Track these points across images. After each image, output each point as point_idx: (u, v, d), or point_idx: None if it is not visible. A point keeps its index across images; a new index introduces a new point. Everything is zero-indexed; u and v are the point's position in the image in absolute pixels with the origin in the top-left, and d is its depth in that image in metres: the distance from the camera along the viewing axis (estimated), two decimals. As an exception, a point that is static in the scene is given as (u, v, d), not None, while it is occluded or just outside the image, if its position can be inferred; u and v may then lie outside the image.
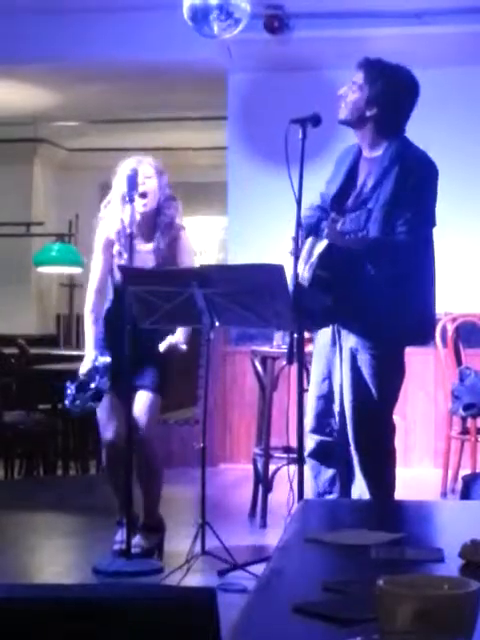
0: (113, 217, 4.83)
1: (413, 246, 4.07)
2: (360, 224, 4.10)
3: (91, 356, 4.77)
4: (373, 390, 4.09)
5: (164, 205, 4.82)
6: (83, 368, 4.76)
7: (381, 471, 4.16)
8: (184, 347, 4.78)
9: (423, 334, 4.30)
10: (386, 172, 4.08)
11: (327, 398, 4.22)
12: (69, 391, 4.72)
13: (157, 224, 4.81)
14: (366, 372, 4.09)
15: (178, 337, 4.76)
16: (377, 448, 4.15)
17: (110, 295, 4.87)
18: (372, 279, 4.05)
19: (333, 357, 4.19)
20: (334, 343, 4.18)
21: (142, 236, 4.79)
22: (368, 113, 4.16)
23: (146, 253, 4.76)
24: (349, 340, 4.12)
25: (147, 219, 4.80)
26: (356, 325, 4.10)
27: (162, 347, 4.73)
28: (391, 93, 4.15)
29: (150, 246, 4.81)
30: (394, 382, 4.19)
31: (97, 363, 4.72)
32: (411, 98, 4.23)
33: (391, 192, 4.05)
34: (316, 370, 4.28)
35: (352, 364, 4.11)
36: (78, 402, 4.72)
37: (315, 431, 4.25)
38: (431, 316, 4.24)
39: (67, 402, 4.74)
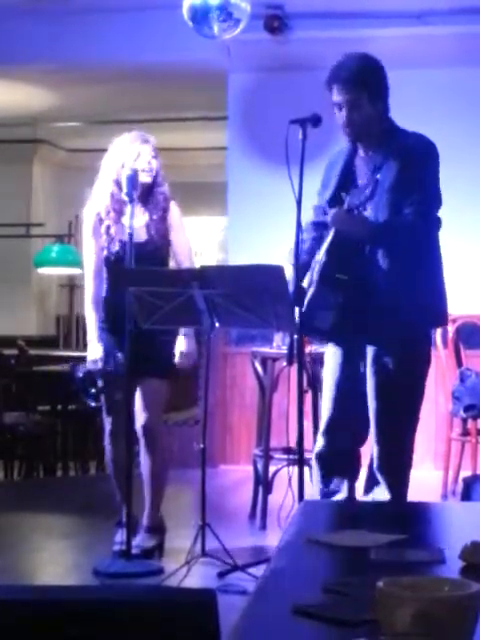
0: (102, 193, 4.84)
1: (421, 227, 4.04)
2: (364, 198, 4.05)
3: (98, 352, 4.78)
4: (402, 391, 4.07)
5: (159, 182, 4.86)
6: (91, 363, 4.77)
7: (404, 472, 4.15)
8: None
9: (440, 315, 4.21)
10: (386, 157, 4.05)
11: (339, 400, 4.19)
12: (79, 376, 4.79)
13: (151, 198, 4.84)
14: (390, 374, 4.05)
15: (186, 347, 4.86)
16: (401, 449, 4.13)
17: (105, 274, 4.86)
18: (385, 271, 4.01)
19: (346, 359, 4.16)
20: (349, 344, 4.15)
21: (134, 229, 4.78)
22: (379, 108, 4.09)
23: (138, 228, 4.75)
24: (371, 346, 4.10)
25: (142, 192, 4.81)
26: (375, 323, 4.04)
27: (177, 359, 4.86)
28: (377, 76, 4.11)
29: (142, 221, 4.81)
30: (421, 381, 4.15)
31: (107, 367, 4.75)
32: (385, 72, 4.16)
33: (394, 176, 4.00)
34: (329, 372, 4.26)
35: (375, 368, 4.08)
36: (84, 395, 4.80)
37: (327, 433, 4.24)
38: (444, 296, 4.15)
39: (80, 391, 4.83)
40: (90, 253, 4.89)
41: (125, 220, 4.64)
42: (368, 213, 4.05)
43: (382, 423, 4.08)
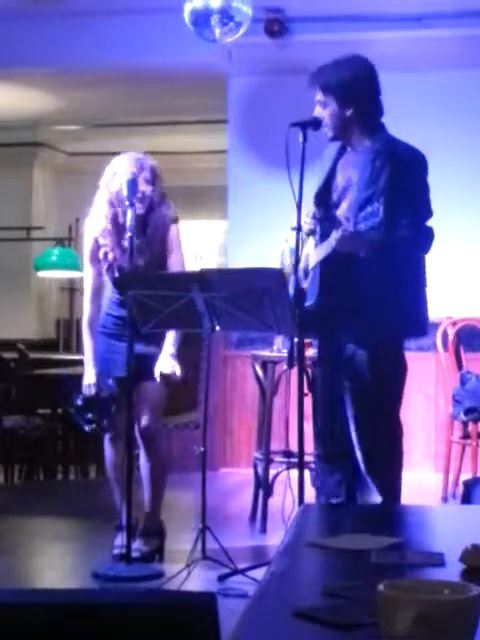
0: (98, 216, 4.82)
1: (418, 242, 4.08)
2: (338, 196, 4.09)
3: (92, 378, 4.78)
4: (375, 392, 4.08)
5: (156, 203, 4.81)
6: (86, 388, 4.77)
7: (388, 473, 4.15)
8: (177, 371, 4.80)
9: (417, 326, 4.22)
10: (378, 169, 4.06)
11: (333, 403, 4.20)
12: (77, 403, 4.77)
13: (150, 222, 4.81)
14: (366, 375, 4.08)
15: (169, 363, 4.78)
16: (384, 450, 4.13)
17: (108, 296, 4.85)
18: (368, 278, 4.02)
19: (337, 361, 4.18)
20: (337, 348, 4.16)
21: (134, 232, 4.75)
22: (347, 114, 4.13)
23: (136, 251, 4.73)
24: (347, 346, 4.11)
25: (137, 222, 4.78)
26: (353, 323, 4.08)
27: (158, 374, 4.76)
28: (353, 84, 4.14)
29: (140, 244, 4.79)
30: (395, 382, 4.17)
31: (101, 394, 4.73)
32: (373, 78, 4.19)
33: (387, 188, 4.02)
34: (322, 375, 4.27)
35: (352, 370, 4.09)
36: (80, 421, 4.80)
37: (323, 436, 4.25)
38: (424, 307, 4.18)
39: (76, 416, 4.80)
40: (88, 277, 4.90)
41: (127, 224, 4.62)
42: (340, 212, 4.06)
43: (360, 428, 4.09)
